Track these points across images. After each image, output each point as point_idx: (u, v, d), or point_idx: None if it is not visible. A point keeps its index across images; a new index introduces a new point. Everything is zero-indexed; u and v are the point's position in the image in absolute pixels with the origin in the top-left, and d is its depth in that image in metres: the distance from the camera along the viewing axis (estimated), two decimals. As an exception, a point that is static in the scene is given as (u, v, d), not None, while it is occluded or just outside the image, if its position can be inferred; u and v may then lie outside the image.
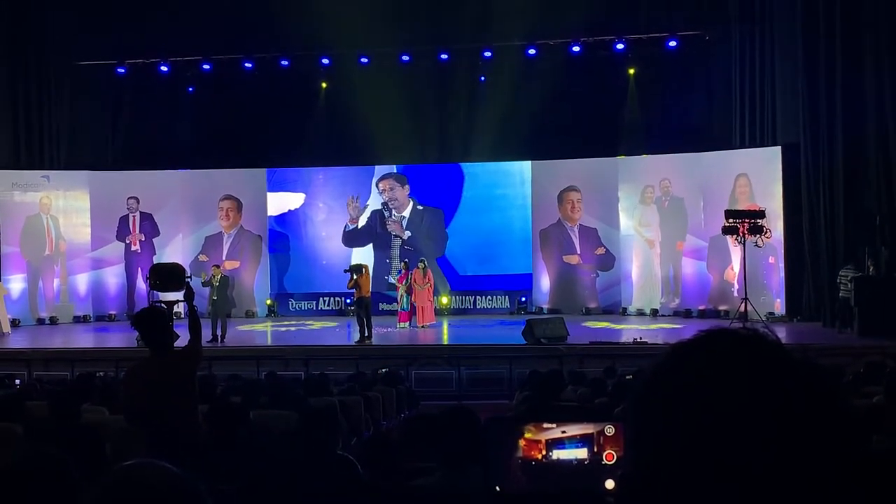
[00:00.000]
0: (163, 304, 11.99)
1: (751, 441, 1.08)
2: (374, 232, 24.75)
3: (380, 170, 24.81)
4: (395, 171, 24.82)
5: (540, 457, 1.87)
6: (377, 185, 24.80)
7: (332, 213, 24.95)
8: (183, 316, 7.71)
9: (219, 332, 19.22)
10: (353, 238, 24.70)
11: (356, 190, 24.92)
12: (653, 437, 1.15)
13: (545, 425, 1.88)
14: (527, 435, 1.87)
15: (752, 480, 1.08)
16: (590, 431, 1.88)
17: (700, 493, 1.10)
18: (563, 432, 1.88)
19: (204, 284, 19.66)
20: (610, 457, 1.88)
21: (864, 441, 1.16)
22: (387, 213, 24.74)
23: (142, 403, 6.19)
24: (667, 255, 22.82)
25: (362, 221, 24.83)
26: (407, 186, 24.76)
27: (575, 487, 1.86)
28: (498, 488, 1.87)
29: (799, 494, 1.08)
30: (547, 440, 1.87)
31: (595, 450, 1.87)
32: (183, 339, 6.60)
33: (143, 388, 6.24)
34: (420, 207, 24.70)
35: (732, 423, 1.09)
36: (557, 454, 1.88)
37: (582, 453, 1.88)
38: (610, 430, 1.89)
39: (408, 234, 24.55)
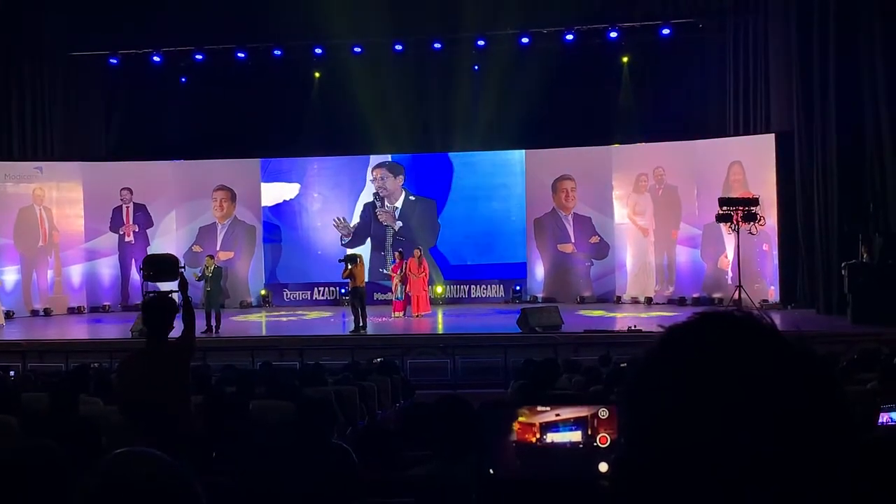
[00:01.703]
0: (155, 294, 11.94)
1: (746, 426, 1.08)
2: (369, 227, 24.71)
3: (374, 159, 24.77)
4: (390, 160, 24.77)
5: (534, 440, 1.86)
6: (371, 172, 24.75)
7: (326, 203, 24.92)
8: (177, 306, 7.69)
9: (213, 323, 19.21)
10: (351, 243, 24.57)
11: (351, 180, 24.88)
12: (647, 421, 1.15)
13: (539, 409, 1.88)
14: (521, 418, 1.86)
15: (746, 465, 1.08)
16: (584, 414, 1.88)
17: (695, 478, 1.10)
18: (558, 415, 1.88)
19: (198, 279, 19.64)
20: (604, 440, 1.88)
21: (858, 426, 1.15)
22: (378, 204, 24.70)
23: (136, 394, 6.18)
24: (661, 244, 22.84)
25: (356, 219, 24.77)
26: (401, 177, 24.69)
27: (569, 470, 1.86)
28: (492, 472, 1.87)
29: (794, 479, 1.08)
30: (541, 423, 1.87)
31: (589, 433, 1.86)
32: (177, 329, 6.59)
33: (138, 378, 6.24)
34: (412, 198, 24.66)
35: (727, 408, 1.09)
36: (552, 437, 1.87)
37: (576, 436, 1.87)
38: (604, 413, 1.89)
39: (399, 224, 24.51)
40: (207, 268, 19.91)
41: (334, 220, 24.70)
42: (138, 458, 1.70)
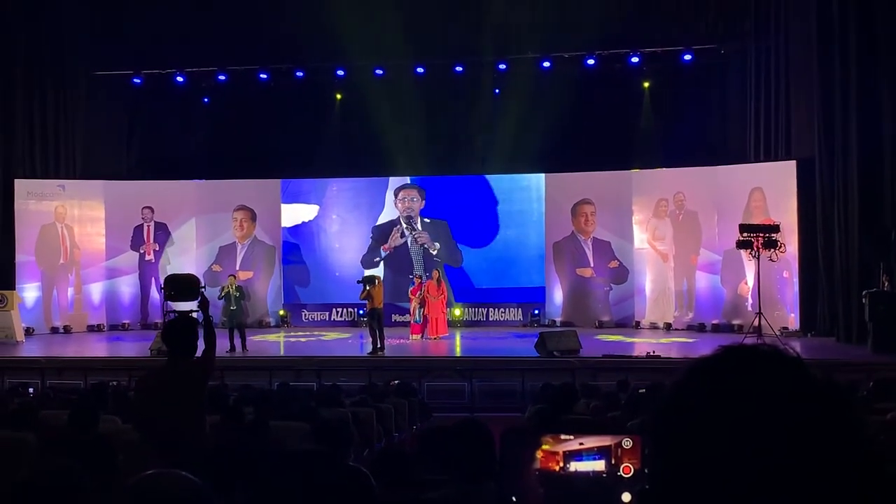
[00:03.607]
0: (176, 313, 11.95)
1: (772, 460, 1.07)
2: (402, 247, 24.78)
3: (394, 181, 24.83)
4: (409, 181, 24.80)
5: (557, 469, 1.86)
6: (399, 193, 24.76)
7: (345, 225, 24.98)
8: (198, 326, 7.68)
9: (237, 342, 19.14)
10: (371, 261, 24.63)
11: (369, 202, 24.94)
12: (673, 454, 1.14)
13: (563, 437, 1.87)
14: (544, 446, 1.86)
15: (773, 498, 1.07)
16: (607, 444, 1.87)
17: None
18: (581, 444, 1.87)
19: (221, 297, 19.73)
20: (627, 470, 1.86)
21: (882, 462, 1.15)
22: (413, 226, 24.67)
23: (152, 412, 6.19)
24: (680, 269, 22.76)
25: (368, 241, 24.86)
26: (423, 201, 24.72)
27: (592, 500, 1.85)
28: (514, 500, 1.86)
29: None
30: (564, 452, 1.86)
31: (613, 462, 1.86)
32: (199, 349, 6.59)
33: (154, 396, 6.25)
34: (427, 220, 24.68)
35: (752, 442, 1.08)
36: (575, 466, 1.86)
37: (599, 466, 1.87)
38: (628, 442, 1.88)
39: (437, 246, 24.49)
40: (231, 286, 19.90)
41: (400, 226, 24.67)
42: (166, 479, 1.71)
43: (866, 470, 1.09)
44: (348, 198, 25.12)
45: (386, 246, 24.67)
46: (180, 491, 1.59)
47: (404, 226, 24.68)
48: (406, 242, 24.72)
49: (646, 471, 1.81)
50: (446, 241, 24.62)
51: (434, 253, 24.48)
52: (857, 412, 1.14)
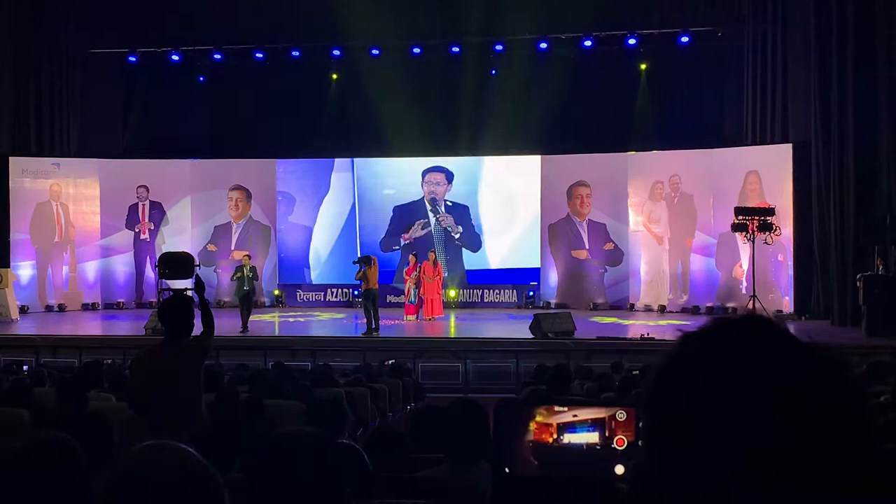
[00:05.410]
0: (171, 291, 11.92)
1: (764, 429, 1.08)
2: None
3: (339, 163, 24.89)
4: (436, 164, 24.71)
5: (551, 440, 1.87)
6: (423, 176, 24.71)
7: (291, 205, 24.98)
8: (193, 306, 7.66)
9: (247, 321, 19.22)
10: (389, 246, 24.65)
11: (315, 183, 24.92)
12: (666, 426, 1.14)
13: (556, 409, 1.88)
14: (538, 418, 1.86)
15: (766, 469, 1.07)
16: (601, 416, 1.88)
17: (714, 483, 1.09)
18: (575, 416, 1.88)
19: (233, 278, 19.91)
20: (621, 442, 1.87)
21: (877, 428, 1.16)
22: (438, 209, 24.63)
23: (147, 391, 6.19)
24: (675, 252, 22.78)
25: (322, 219, 24.91)
26: (449, 185, 24.63)
27: (585, 471, 1.86)
28: (507, 470, 1.87)
29: (814, 483, 1.07)
30: (558, 424, 1.87)
31: (606, 434, 1.86)
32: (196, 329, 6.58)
33: (150, 375, 6.24)
34: (450, 203, 24.63)
35: (746, 413, 1.08)
36: (569, 438, 1.87)
37: (593, 437, 1.87)
38: (622, 415, 1.88)
39: (460, 229, 24.45)
40: (246, 267, 19.87)
41: (425, 216, 24.66)
42: (165, 451, 1.71)
43: (861, 439, 1.10)
44: (293, 179, 25.09)
45: (406, 236, 24.59)
46: (180, 462, 1.59)
47: (429, 207, 24.60)
48: (430, 225, 24.68)
49: (639, 443, 1.82)
50: (467, 226, 24.57)
51: (456, 237, 24.46)
52: (852, 381, 1.14)
